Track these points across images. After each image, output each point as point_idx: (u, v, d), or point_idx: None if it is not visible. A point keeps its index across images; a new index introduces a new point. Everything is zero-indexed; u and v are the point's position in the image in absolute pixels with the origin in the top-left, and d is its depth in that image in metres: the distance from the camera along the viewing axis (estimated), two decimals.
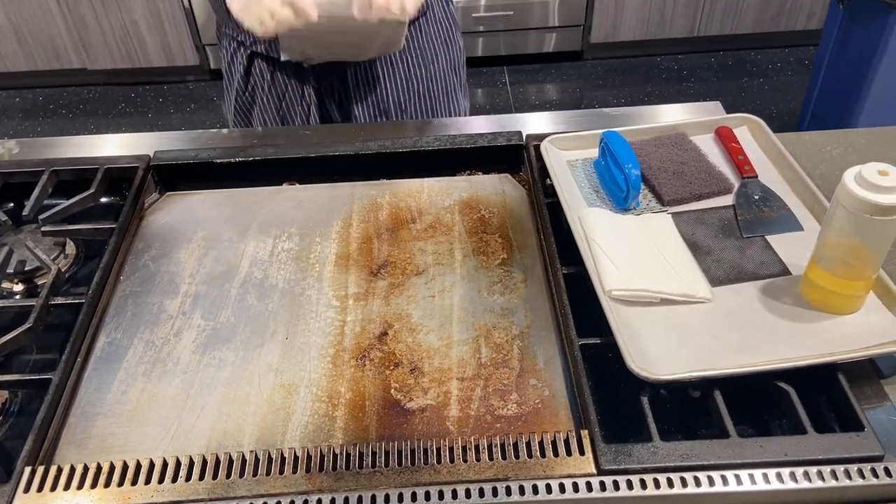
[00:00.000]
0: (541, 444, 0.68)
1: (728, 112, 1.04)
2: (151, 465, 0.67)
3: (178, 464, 0.67)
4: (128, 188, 0.98)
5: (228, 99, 1.27)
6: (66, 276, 0.92)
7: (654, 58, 3.19)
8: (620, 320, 0.75)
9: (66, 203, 0.95)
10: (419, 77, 1.19)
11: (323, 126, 1.15)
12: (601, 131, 0.95)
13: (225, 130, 1.13)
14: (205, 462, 0.67)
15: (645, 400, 0.71)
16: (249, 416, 0.74)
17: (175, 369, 0.79)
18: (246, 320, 0.84)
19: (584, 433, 0.68)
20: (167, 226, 0.97)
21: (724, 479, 0.64)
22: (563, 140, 0.99)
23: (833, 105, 2.28)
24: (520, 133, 1.03)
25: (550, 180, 0.95)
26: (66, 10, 2.75)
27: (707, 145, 0.97)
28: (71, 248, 0.96)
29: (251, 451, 0.68)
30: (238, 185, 1.02)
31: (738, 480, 0.64)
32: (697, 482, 0.64)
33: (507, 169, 1.02)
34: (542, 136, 0.99)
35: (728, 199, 0.90)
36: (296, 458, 0.67)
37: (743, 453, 0.65)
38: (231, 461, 0.67)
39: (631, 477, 0.65)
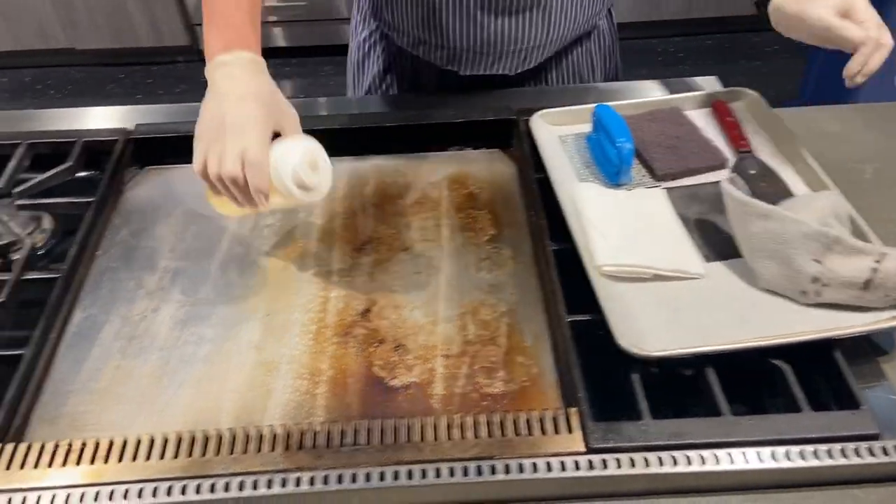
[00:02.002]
0: (527, 421, 0.66)
1: None
2: (125, 443, 0.65)
3: (153, 442, 0.65)
4: (107, 162, 0.95)
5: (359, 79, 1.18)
6: (42, 251, 0.89)
7: (650, 40, 3.15)
8: (610, 297, 0.73)
9: (42, 176, 0.93)
10: None
11: (311, 100, 1.12)
12: (593, 105, 0.93)
13: None
14: (180, 440, 0.65)
15: (635, 378, 0.69)
16: (228, 394, 0.71)
17: (152, 346, 0.76)
18: (226, 296, 0.81)
19: (573, 411, 0.66)
20: (147, 200, 0.94)
21: (717, 458, 0.62)
22: (555, 115, 0.96)
23: (830, 88, 2.26)
24: (510, 107, 1.00)
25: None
26: None
27: (703, 120, 0.95)
28: (48, 222, 0.93)
29: (229, 429, 0.65)
30: None
31: (731, 459, 0.62)
32: (689, 461, 0.62)
33: (497, 144, 1.00)
34: (533, 111, 0.96)
35: (723, 175, 0.87)
36: (275, 435, 0.65)
37: (736, 431, 0.64)
38: (208, 439, 0.65)
39: (620, 455, 0.63)
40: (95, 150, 0.98)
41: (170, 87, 2.91)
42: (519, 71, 1.06)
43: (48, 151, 0.98)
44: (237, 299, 0.81)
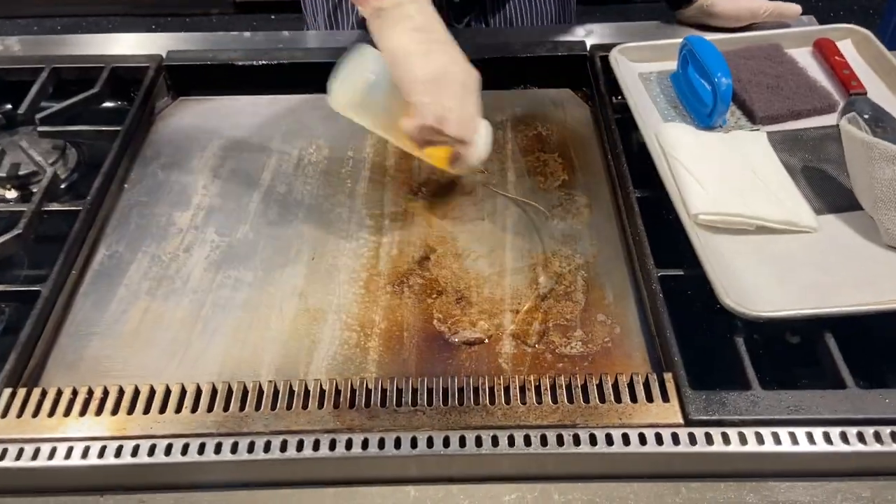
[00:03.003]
0: (615, 387, 0.56)
1: None
2: (152, 393, 0.57)
3: (184, 392, 0.57)
4: (137, 91, 0.87)
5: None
6: (66, 184, 0.81)
7: None
8: (709, 250, 0.63)
9: (66, 103, 0.84)
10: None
11: (347, 32, 1.02)
12: (679, 40, 0.82)
13: (247, 34, 1.01)
14: (215, 391, 0.57)
15: (740, 341, 0.59)
16: (269, 344, 0.63)
17: (184, 288, 0.68)
18: (266, 238, 0.73)
19: (668, 377, 0.57)
20: (180, 132, 0.86)
21: (845, 437, 0.52)
22: (635, 50, 0.85)
23: None
24: (583, 42, 0.90)
25: (619, 96, 0.82)
26: None
27: (805, 59, 0.83)
28: (72, 154, 0.85)
29: (270, 382, 0.57)
30: (261, 92, 0.90)
31: (861, 438, 0.52)
32: (811, 439, 0.52)
33: (567, 83, 0.89)
34: (609, 46, 0.86)
35: (831, 119, 0.77)
36: (322, 391, 0.56)
37: (864, 407, 0.54)
38: (246, 392, 0.57)
39: (727, 430, 0.53)
40: (125, 77, 0.89)
41: None
42: None
43: (73, 77, 0.90)
44: (279, 241, 0.72)
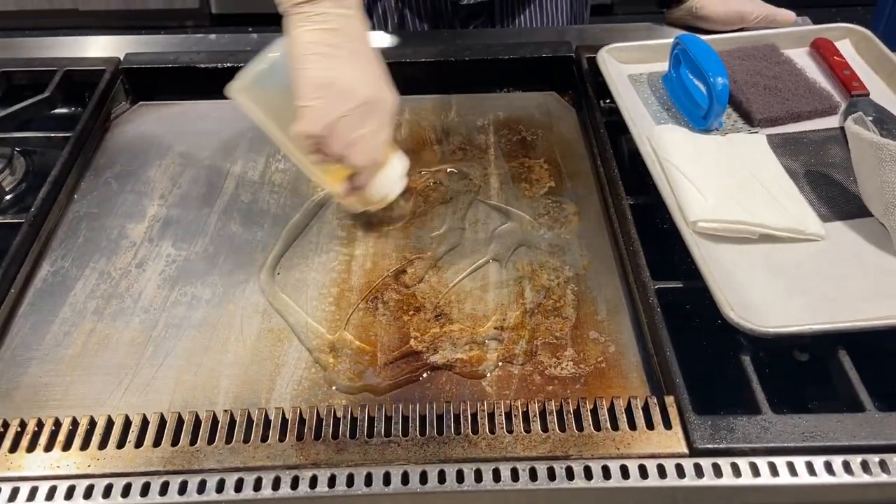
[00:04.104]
0: (611, 412, 0.51)
1: None
2: (92, 424, 0.50)
3: (128, 423, 0.50)
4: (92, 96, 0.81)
5: None
6: (13, 195, 0.75)
7: None
8: (710, 260, 0.58)
9: (12, 109, 0.78)
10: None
11: None
12: (670, 40, 0.77)
13: (213, 36, 0.95)
14: (163, 422, 0.50)
15: (746, 360, 0.54)
16: (227, 368, 0.57)
17: (135, 307, 0.62)
18: (228, 250, 0.67)
19: (670, 400, 0.51)
20: (137, 139, 0.79)
21: (866, 466, 0.47)
22: (624, 51, 0.81)
23: None
24: (569, 44, 0.85)
25: (608, 99, 0.77)
26: None
27: (802, 60, 0.79)
28: (20, 163, 0.78)
29: (225, 411, 0.51)
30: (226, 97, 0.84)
31: (884, 467, 0.47)
32: (829, 469, 0.47)
33: (552, 86, 0.85)
34: (596, 48, 0.81)
35: (833, 121, 0.72)
36: (284, 420, 0.50)
37: (886, 432, 0.49)
38: (199, 422, 0.50)
39: (737, 459, 0.48)
40: (80, 81, 0.83)
41: None
42: None
43: (24, 82, 0.84)
44: (241, 254, 0.66)
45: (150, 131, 0.80)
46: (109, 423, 0.50)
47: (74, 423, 0.50)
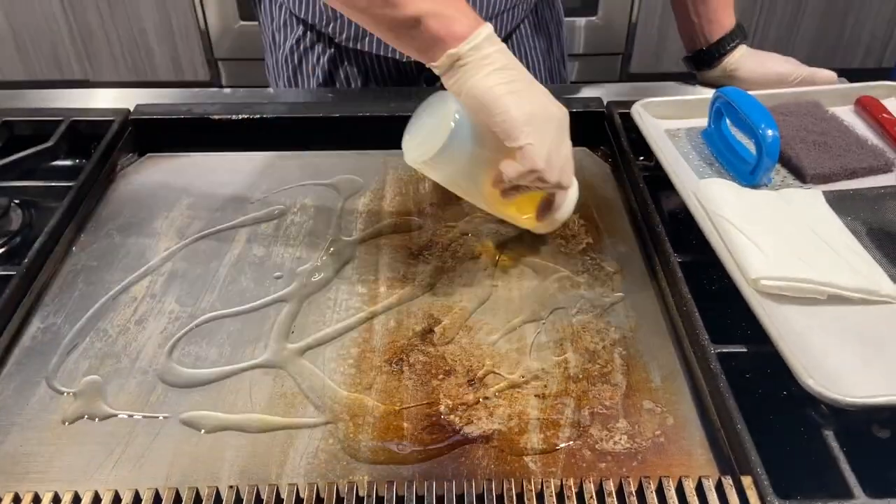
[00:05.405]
0: (679, 493, 0.44)
1: None
2: (77, 501, 0.43)
3: (118, 500, 0.43)
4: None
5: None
6: (5, 248, 0.69)
7: None
8: (777, 322, 0.52)
9: (10, 158, 0.73)
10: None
11: (351, 90, 0.93)
12: (708, 95, 0.74)
13: (227, 90, 0.92)
14: (158, 499, 0.43)
15: (829, 434, 0.47)
16: (233, 439, 0.50)
17: (132, 368, 0.55)
18: (237, 308, 0.61)
19: (748, 482, 0.44)
20: (144, 190, 0.75)
21: None
22: (659, 105, 0.77)
23: None
24: (599, 99, 0.82)
25: (641, 157, 0.73)
26: (72, 16, 2.59)
27: (848, 117, 0.75)
28: (17, 215, 0.73)
29: (230, 487, 0.44)
30: (239, 148, 0.80)
31: None
32: None
33: (583, 141, 0.80)
34: (628, 103, 0.78)
35: (888, 178, 0.68)
36: (299, 499, 0.43)
37: None
38: (199, 500, 0.43)
39: None
40: (86, 133, 0.79)
41: None
42: None
43: (28, 132, 0.79)
44: (251, 312, 0.60)
45: (158, 183, 0.76)
46: (96, 500, 0.43)
47: (56, 500, 0.43)
